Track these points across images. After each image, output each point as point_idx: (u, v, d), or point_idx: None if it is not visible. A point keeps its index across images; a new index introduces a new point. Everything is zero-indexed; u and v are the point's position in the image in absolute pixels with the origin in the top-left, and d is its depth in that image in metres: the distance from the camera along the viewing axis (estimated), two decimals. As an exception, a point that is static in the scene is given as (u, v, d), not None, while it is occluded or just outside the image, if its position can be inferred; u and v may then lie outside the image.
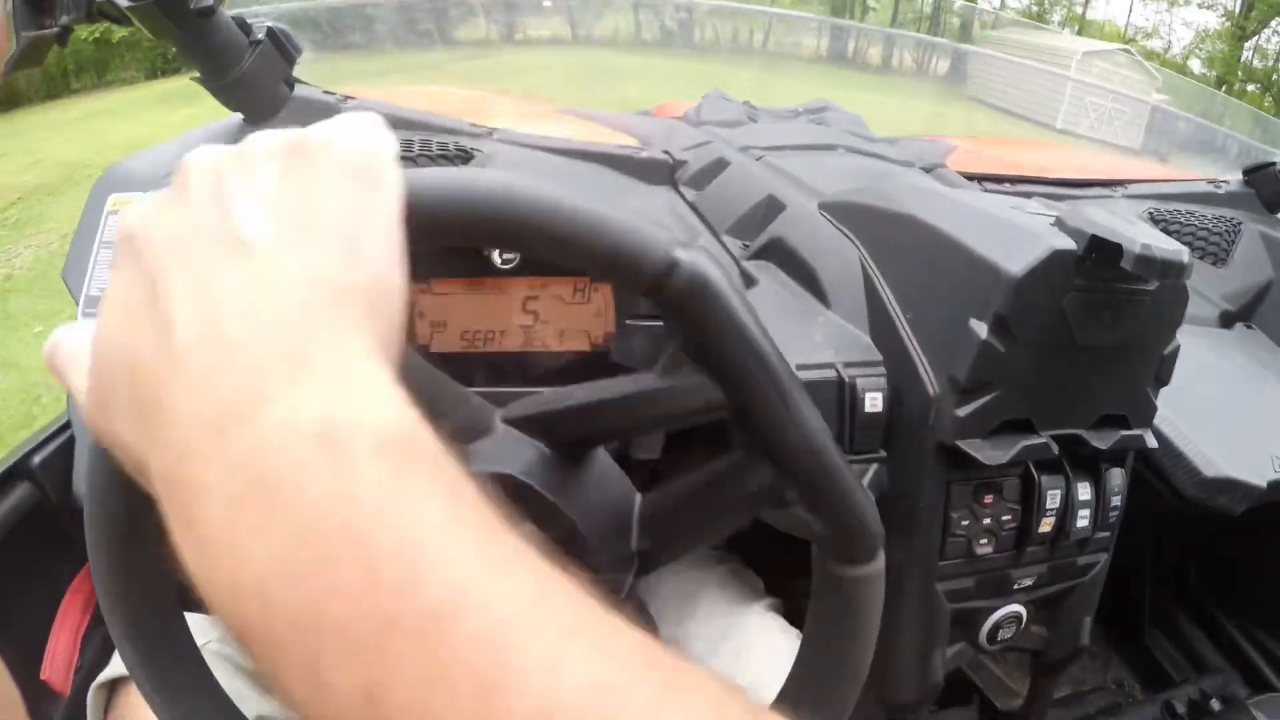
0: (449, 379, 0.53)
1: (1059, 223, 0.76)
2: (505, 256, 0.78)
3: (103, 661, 0.93)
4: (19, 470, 0.95)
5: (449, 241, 0.41)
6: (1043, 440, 0.82)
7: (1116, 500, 0.93)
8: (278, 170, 0.33)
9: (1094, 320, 0.78)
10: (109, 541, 0.46)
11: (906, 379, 0.84)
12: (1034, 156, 1.78)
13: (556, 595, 0.24)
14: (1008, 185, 1.46)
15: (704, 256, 0.45)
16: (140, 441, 0.27)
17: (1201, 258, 1.43)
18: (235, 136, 0.94)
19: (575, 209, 0.42)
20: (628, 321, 0.83)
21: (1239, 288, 1.39)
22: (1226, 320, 1.35)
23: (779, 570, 1.11)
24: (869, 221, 0.94)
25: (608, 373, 0.77)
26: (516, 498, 0.50)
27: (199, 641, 0.49)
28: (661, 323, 0.81)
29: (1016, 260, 0.73)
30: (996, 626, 0.93)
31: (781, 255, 1.01)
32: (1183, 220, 1.46)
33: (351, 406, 0.25)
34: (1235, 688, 1.49)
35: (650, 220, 0.45)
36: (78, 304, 0.86)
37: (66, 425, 0.94)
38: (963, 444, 0.79)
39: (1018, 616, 0.94)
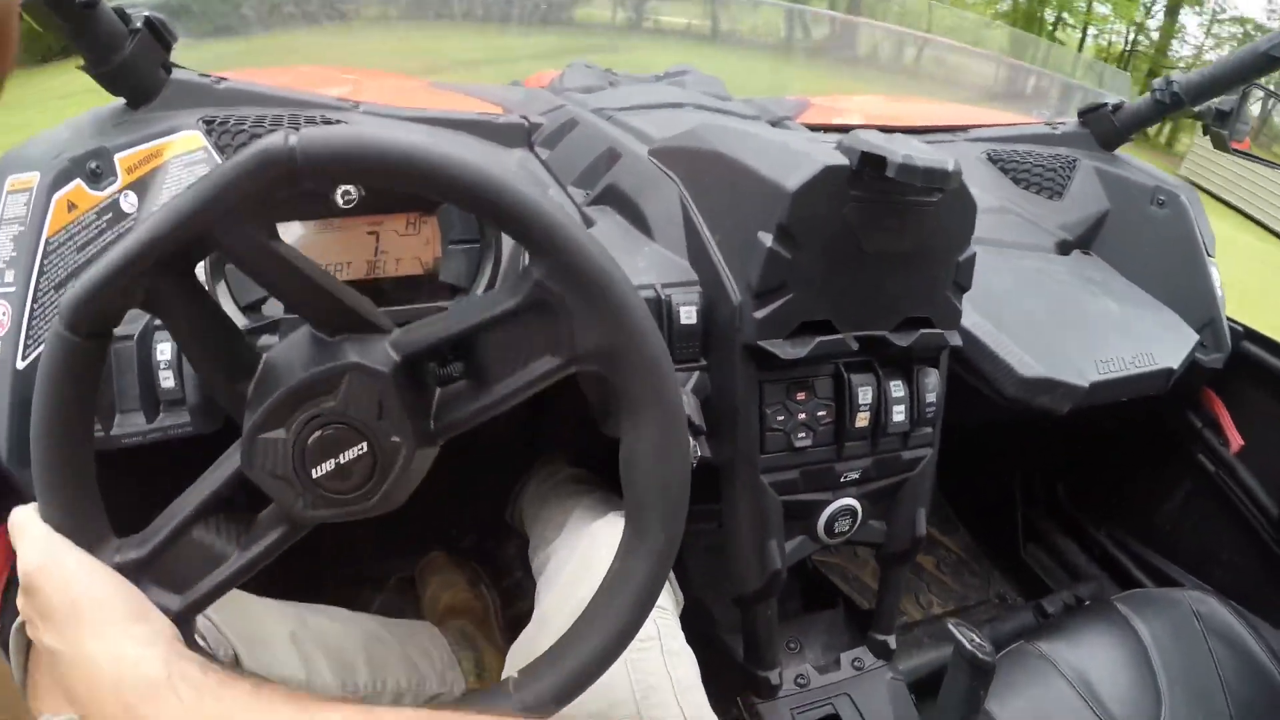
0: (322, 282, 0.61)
1: (839, 145, 0.86)
2: (346, 196, 0.86)
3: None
4: None
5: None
6: (839, 337, 0.93)
7: (931, 397, 1.03)
8: None
9: (878, 228, 0.88)
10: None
11: (717, 293, 0.94)
12: (886, 108, 1.91)
13: None
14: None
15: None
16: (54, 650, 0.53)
17: (1039, 192, 1.56)
18: (118, 119, 1.07)
19: (448, 156, 0.54)
20: (450, 246, 0.92)
21: (1076, 218, 1.52)
22: (1064, 248, 1.48)
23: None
24: (687, 161, 1.05)
25: (439, 290, 0.91)
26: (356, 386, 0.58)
27: None
28: (477, 243, 0.92)
29: (794, 177, 0.84)
30: (832, 519, 1.03)
31: (616, 198, 1.13)
32: (1019, 159, 1.59)
33: None
34: (1108, 590, 1.60)
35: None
36: None
37: None
38: (764, 343, 0.90)
39: (852, 510, 1.04)
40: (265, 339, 0.90)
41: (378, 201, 0.88)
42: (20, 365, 0.88)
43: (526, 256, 0.59)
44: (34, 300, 0.89)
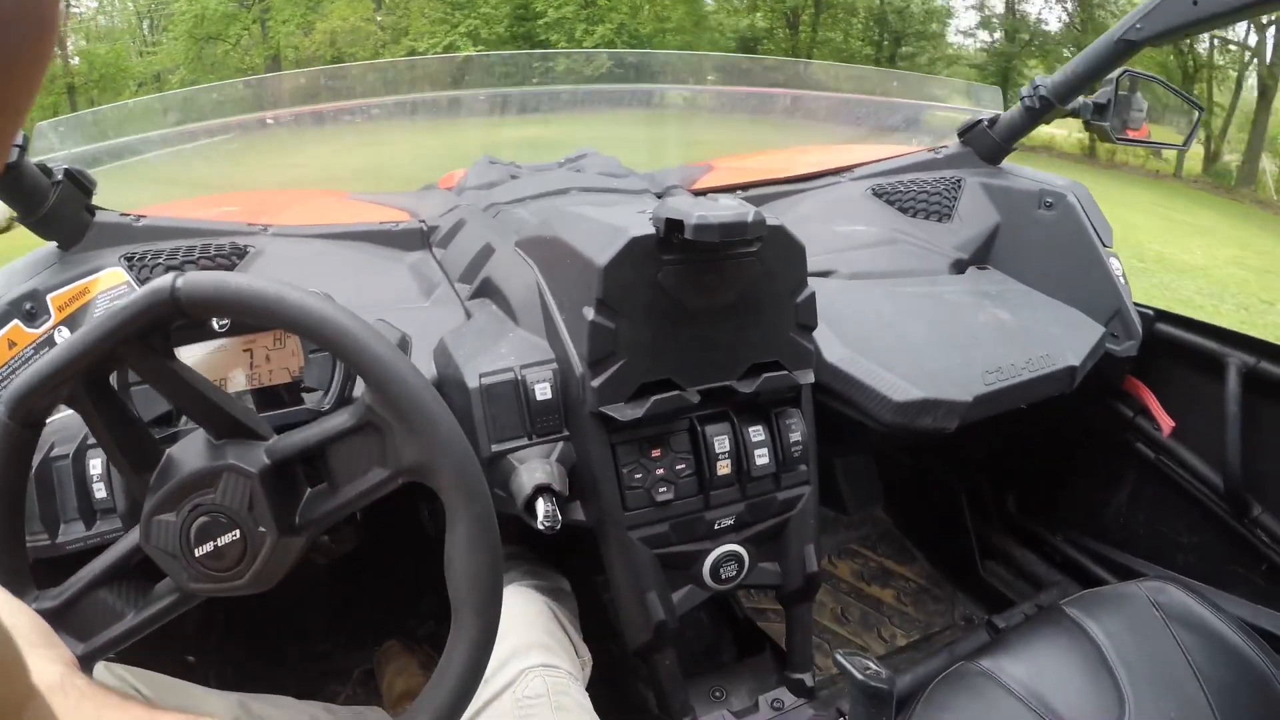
0: (209, 395, 0.74)
1: (650, 215, 0.94)
2: (220, 322, 0.98)
3: None
4: None
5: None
6: (677, 393, 1.00)
7: (796, 436, 1.08)
8: None
9: (697, 287, 0.96)
10: None
11: (568, 367, 1.02)
12: (777, 162, 1.96)
13: None
14: (739, 192, 1.67)
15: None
16: None
17: (928, 217, 1.63)
18: (50, 261, 1.20)
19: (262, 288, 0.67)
20: (310, 355, 1.01)
21: (967, 236, 1.58)
22: (960, 267, 1.53)
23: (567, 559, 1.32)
24: (539, 248, 1.13)
25: (305, 392, 1.03)
26: (236, 486, 0.71)
27: None
28: (326, 351, 1.01)
29: (605, 252, 0.92)
30: (716, 566, 1.08)
31: (490, 290, 1.22)
32: (904, 189, 1.66)
33: None
34: (1071, 594, 1.59)
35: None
36: None
37: None
38: (606, 409, 0.97)
39: (736, 555, 1.09)
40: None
41: (247, 324, 0.98)
42: None
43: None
44: None
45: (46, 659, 0.63)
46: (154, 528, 0.70)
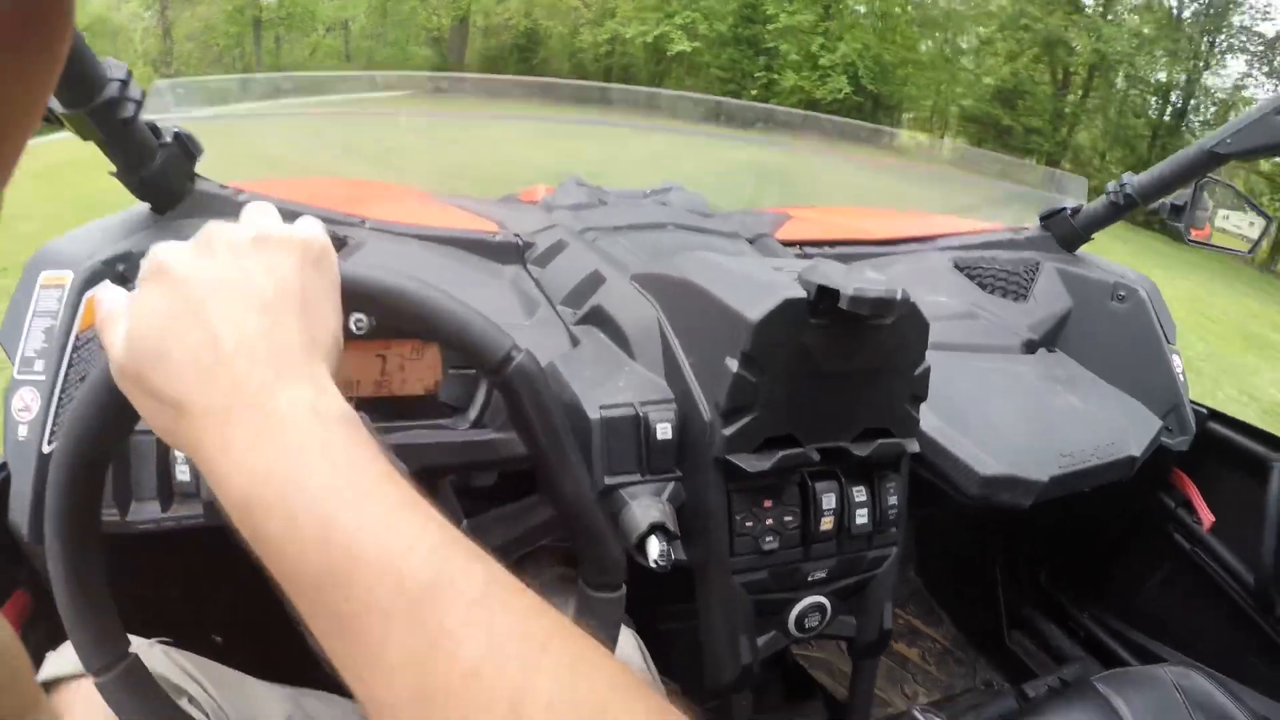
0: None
1: (799, 277, 0.97)
2: (359, 323, 0.95)
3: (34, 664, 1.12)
4: None
5: (372, 314, 0.69)
6: (801, 450, 1.02)
7: (893, 500, 1.12)
8: (270, 254, 0.53)
9: (835, 351, 0.98)
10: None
11: (690, 410, 1.04)
12: (858, 222, 2.02)
13: (420, 507, 0.44)
14: (826, 248, 1.71)
15: (528, 357, 0.72)
16: (182, 388, 0.47)
17: (1004, 295, 1.68)
18: (145, 224, 1.18)
19: (451, 310, 0.68)
20: (450, 371, 1.02)
21: (1040, 318, 1.63)
22: (1030, 348, 1.58)
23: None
24: (664, 287, 1.16)
25: (441, 409, 1.03)
26: None
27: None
28: (474, 371, 1.02)
29: (756, 309, 0.94)
30: (802, 615, 1.11)
31: (601, 319, 1.23)
32: (985, 265, 1.71)
33: (325, 399, 0.47)
34: (1093, 672, 1.60)
35: (498, 320, 0.72)
36: (13, 362, 1.02)
37: (3, 465, 1.06)
38: (732, 458, 0.99)
39: (821, 606, 1.12)
40: None
41: (387, 329, 0.97)
42: (45, 449, 0.98)
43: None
44: (62, 390, 1.00)
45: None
46: None
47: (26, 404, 1.00)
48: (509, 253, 1.47)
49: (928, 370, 1.08)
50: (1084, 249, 1.78)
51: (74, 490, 0.64)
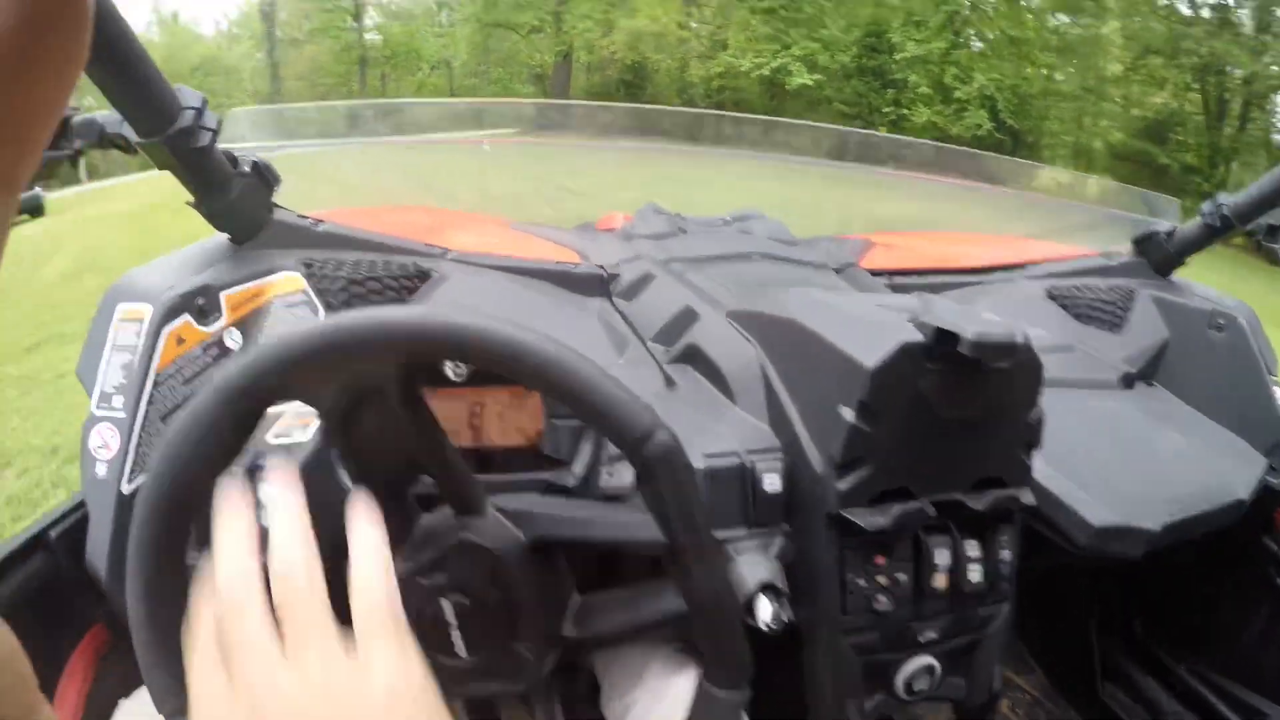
0: (461, 461, 0.71)
1: (913, 318, 0.92)
2: (457, 372, 0.94)
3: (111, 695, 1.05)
4: (37, 541, 1.09)
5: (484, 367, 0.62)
6: (919, 505, 0.96)
7: (1006, 554, 1.06)
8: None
9: (951, 397, 0.92)
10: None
11: (799, 460, 0.99)
12: (944, 248, 1.99)
13: None
14: (914, 277, 1.67)
15: (670, 436, 0.66)
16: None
17: (1099, 326, 1.62)
18: (224, 255, 1.15)
19: (587, 376, 0.63)
20: (554, 421, 0.98)
21: (1137, 350, 1.57)
22: (1128, 381, 1.51)
23: None
24: (765, 327, 1.11)
25: (540, 461, 0.97)
26: (488, 569, 0.68)
27: None
28: (579, 421, 0.96)
29: (873, 355, 0.89)
30: (911, 678, 1.05)
31: (696, 359, 1.19)
32: (1079, 294, 1.66)
33: None
34: None
35: (633, 392, 0.66)
36: (91, 397, 1.01)
37: (82, 503, 1.07)
38: (846, 513, 0.93)
39: (930, 668, 1.05)
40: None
41: (486, 375, 0.94)
42: (125, 489, 0.96)
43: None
44: (142, 429, 0.98)
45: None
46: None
47: (105, 441, 0.99)
48: (594, 285, 1.43)
49: (1042, 415, 1.02)
50: (1179, 273, 1.72)
51: (161, 532, 0.61)
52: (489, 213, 2.02)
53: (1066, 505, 1.14)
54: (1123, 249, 1.78)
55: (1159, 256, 1.71)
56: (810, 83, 25.07)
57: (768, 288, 1.29)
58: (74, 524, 1.09)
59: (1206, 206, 1.57)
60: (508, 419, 1.00)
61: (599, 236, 1.78)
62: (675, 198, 2.08)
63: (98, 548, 0.96)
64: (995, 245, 2.08)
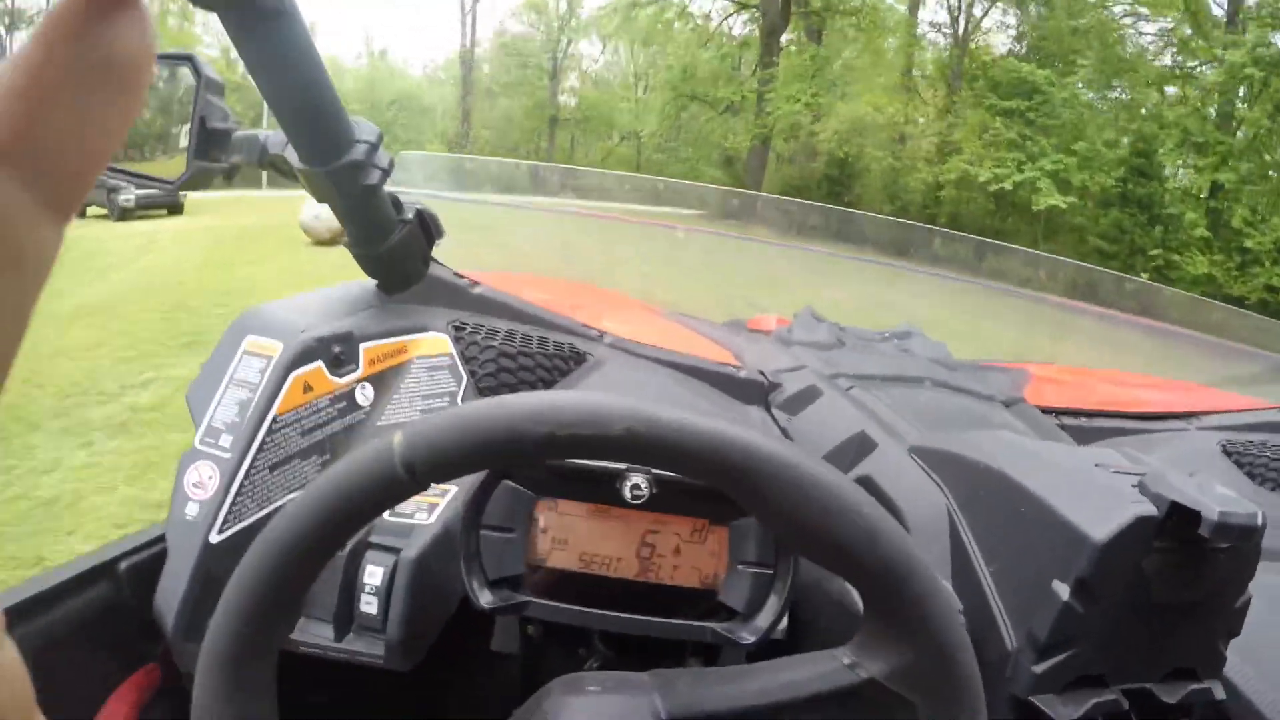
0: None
1: (1141, 486, 0.85)
2: (636, 492, 0.88)
3: None
4: (105, 569, 1.06)
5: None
6: (1114, 697, 0.89)
7: None
8: None
9: (1172, 579, 0.86)
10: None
11: (985, 629, 0.92)
12: (1108, 388, 1.93)
13: None
14: (1083, 419, 1.60)
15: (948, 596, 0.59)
16: None
17: (1274, 489, 1.51)
18: (370, 303, 1.16)
19: (878, 531, 0.57)
20: (739, 566, 0.92)
21: None
22: None
23: None
24: (958, 470, 1.05)
25: (714, 610, 0.91)
26: None
27: None
28: (770, 570, 0.90)
29: (1100, 526, 0.83)
30: None
31: (872, 493, 1.05)
32: (1256, 452, 1.56)
33: None
34: None
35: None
36: (197, 428, 1.00)
37: (160, 537, 1.04)
38: (1036, 699, 0.87)
39: None
40: None
41: (668, 501, 0.89)
42: (214, 539, 0.94)
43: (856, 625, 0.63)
44: (246, 475, 0.96)
45: None
46: None
47: (202, 480, 0.97)
48: (754, 392, 1.41)
49: (1249, 601, 0.94)
50: None
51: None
52: (652, 297, 2.03)
53: (1250, 701, 1.04)
54: None
55: None
56: (1063, 205, 22.10)
57: (944, 421, 1.24)
58: (147, 559, 1.07)
59: None
60: (685, 555, 0.93)
61: (756, 338, 1.78)
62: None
63: (169, 594, 0.95)
64: (1164, 390, 2.04)
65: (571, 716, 0.63)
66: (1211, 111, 21.77)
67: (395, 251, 1.14)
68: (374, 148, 1.00)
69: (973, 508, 1.02)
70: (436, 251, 1.23)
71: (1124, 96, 23.54)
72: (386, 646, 0.91)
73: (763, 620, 0.89)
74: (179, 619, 0.93)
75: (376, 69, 38.63)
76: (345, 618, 0.93)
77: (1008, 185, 22.69)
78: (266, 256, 9.68)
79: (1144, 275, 18.79)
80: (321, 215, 10.31)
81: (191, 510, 0.95)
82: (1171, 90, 22.60)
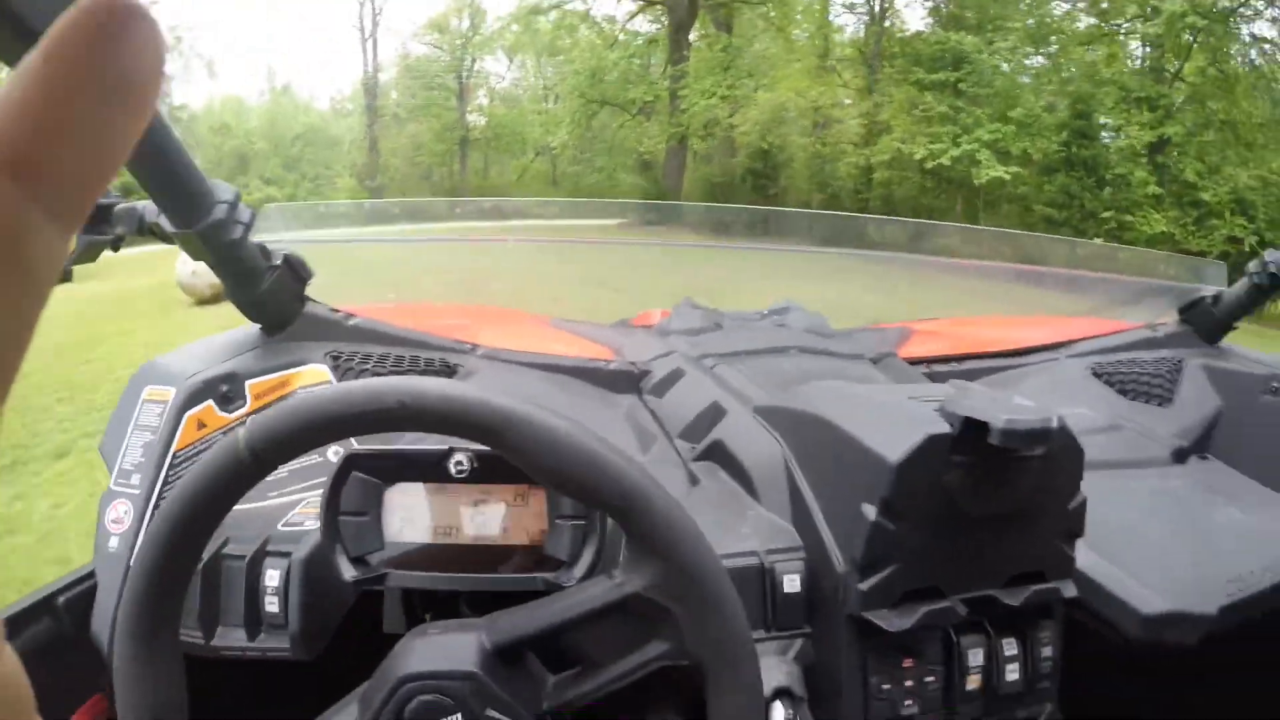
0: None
1: (940, 408, 0.94)
2: (459, 468, 1.01)
3: None
4: (44, 604, 1.17)
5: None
6: (947, 604, 0.99)
7: (1048, 651, 1.07)
8: None
9: (978, 491, 0.95)
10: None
11: (821, 562, 1.03)
12: (983, 332, 2.07)
13: None
14: (954, 364, 1.75)
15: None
16: None
17: (1148, 401, 1.67)
18: (253, 344, 1.29)
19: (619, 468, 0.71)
20: (558, 521, 1.03)
21: (1188, 423, 1.61)
22: (1180, 456, 1.54)
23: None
24: (792, 423, 1.16)
25: (542, 562, 1.03)
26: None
27: None
28: (583, 521, 1.02)
29: (896, 448, 0.92)
30: None
31: (721, 456, 1.26)
32: (1125, 370, 1.72)
33: None
34: None
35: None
36: (110, 472, 1.14)
37: (92, 573, 1.16)
38: (869, 615, 0.96)
39: None
40: None
41: (490, 472, 1.01)
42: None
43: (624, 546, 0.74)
44: (154, 506, 1.09)
45: None
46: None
47: (120, 516, 1.11)
48: (625, 382, 1.55)
49: (1084, 503, 1.04)
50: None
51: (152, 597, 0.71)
52: (528, 309, 2.16)
53: (1113, 594, 1.14)
54: (1168, 319, 1.86)
55: (1206, 323, 1.79)
56: (1006, 176, 21.62)
57: (798, 382, 1.34)
58: (82, 592, 1.19)
59: (1253, 265, 1.64)
60: (512, 517, 1.06)
61: (635, 333, 1.91)
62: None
63: (103, 618, 1.08)
64: (1036, 326, 2.16)
65: (410, 651, 0.76)
66: (1146, 66, 21.59)
67: (269, 295, 1.28)
68: (233, 205, 1.13)
69: (803, 453, 1.14)
70: (319, 293, 1.36)
71: (1055, 60, 23.07)
72: (291, 639, 1.03)
73: (580, 567, 1.00)
74: (112, 640, 1.02)
75: (280, 105, 38.37)
76: (254, 620, 1.05)
77: (945, 160, 22.25)
78: (139, 324, 9.39)
79: (1098, 239, 18.80)
80: (198, 271, 10.06)
81: (114, 543, 1.10)
82: (1095, 53, 22.06)
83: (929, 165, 22.71)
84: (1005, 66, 22.68)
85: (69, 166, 0.22)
